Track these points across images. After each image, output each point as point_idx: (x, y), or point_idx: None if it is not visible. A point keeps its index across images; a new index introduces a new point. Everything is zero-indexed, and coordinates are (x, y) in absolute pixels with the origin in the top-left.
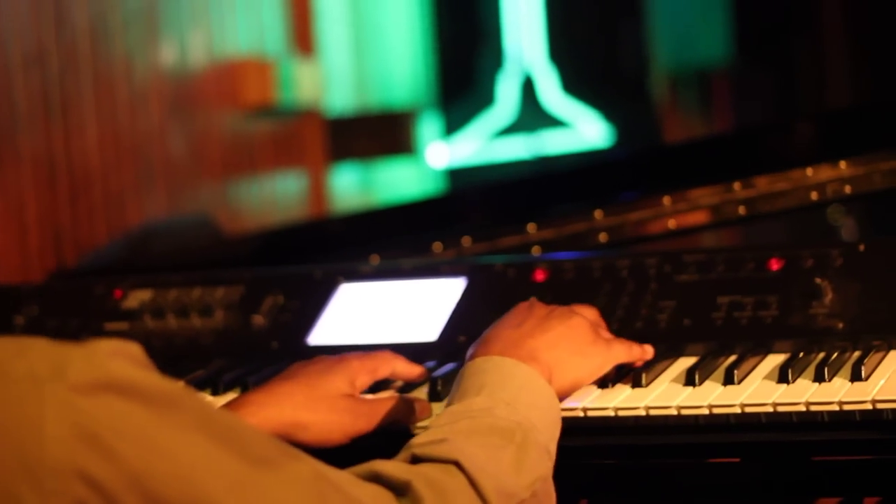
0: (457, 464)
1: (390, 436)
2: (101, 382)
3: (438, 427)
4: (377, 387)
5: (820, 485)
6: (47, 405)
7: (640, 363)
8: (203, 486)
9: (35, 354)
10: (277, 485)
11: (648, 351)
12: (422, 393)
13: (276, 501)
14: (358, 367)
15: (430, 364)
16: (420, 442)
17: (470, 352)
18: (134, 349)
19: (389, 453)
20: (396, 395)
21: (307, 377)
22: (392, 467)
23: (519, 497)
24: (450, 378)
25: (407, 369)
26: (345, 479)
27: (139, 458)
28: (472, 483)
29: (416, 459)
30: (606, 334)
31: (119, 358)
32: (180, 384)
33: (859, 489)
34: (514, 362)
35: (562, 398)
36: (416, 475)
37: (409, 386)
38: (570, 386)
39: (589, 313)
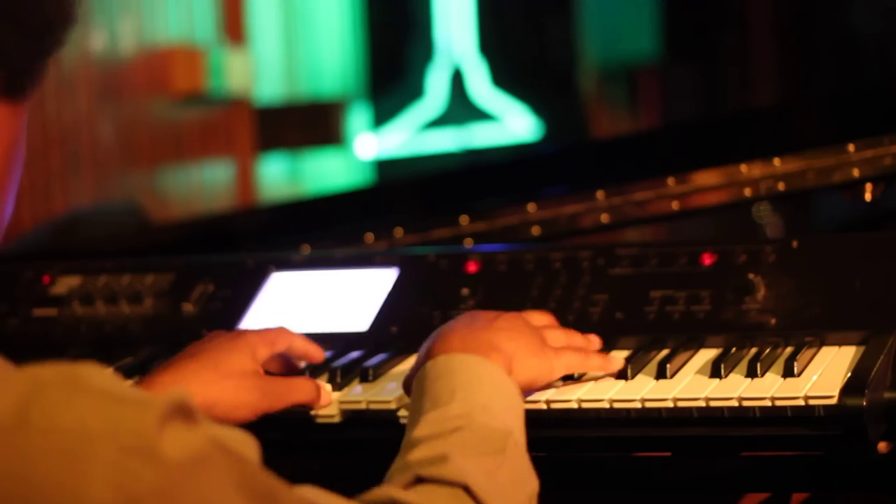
0: (465, 487)
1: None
2: (153, 446)
3: (428, 441)
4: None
5: (749, 480)
6: (95, 465)
7: (605, 371)
8: None
9: (87, 406)
10: None
11: (616, 363)
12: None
13: None
14: (256, 341)
15: (360, 353)
16: (420, 460)
17: (425, 348)
18: (183, 396)
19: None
20: (302, 376)
21: (211, 355)
22: (408, 496)
23: None
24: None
25: (304, 345)
26: None
27: None
28: None
29: (420, 480)
30: (556, 342)
31: (171, 418)
32: (222, 434)
33: (788, 485)
34: (478, 359)
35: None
36: (438, 501)
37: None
38: (528, 383)
39: (538, 319)
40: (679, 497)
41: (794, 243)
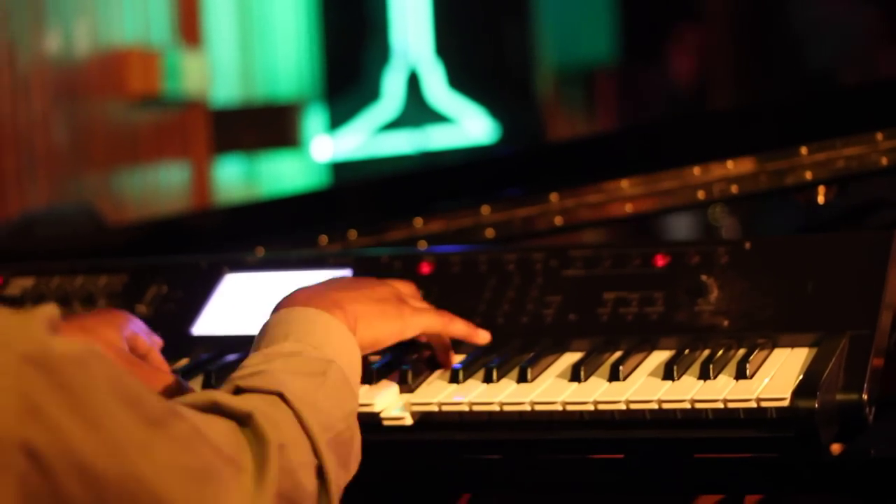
0: (280, 395)
1: None
2: (44, 354)
3: (252, 364)
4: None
5: (702, 482)
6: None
7: (469, 340)
8: (124, 457)
9: None
10: (168, 445)
11: (483, 336)
12: (196, 382)
13: (167, 460)
14: (123, 319)
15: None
16: (240, 375)
17: (275, 306)
18: (53, 312)
19: None
20: (170, 371)
21: (81, 324)
22: (231, 399)
23: (336, 429)
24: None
25: (158, 359)
26: (200, 419)
27: (75, 430)
28: (296, 415)
29: (238, 391)
30: (417, 303)
31: (53, 328)
32: (89, 344)
33: (741, 487)
34: (317, 311)
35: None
36: (255, 407)
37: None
38: (371, 342)
39: (405, 287)
40: (631, 499)
41: (747, 245)
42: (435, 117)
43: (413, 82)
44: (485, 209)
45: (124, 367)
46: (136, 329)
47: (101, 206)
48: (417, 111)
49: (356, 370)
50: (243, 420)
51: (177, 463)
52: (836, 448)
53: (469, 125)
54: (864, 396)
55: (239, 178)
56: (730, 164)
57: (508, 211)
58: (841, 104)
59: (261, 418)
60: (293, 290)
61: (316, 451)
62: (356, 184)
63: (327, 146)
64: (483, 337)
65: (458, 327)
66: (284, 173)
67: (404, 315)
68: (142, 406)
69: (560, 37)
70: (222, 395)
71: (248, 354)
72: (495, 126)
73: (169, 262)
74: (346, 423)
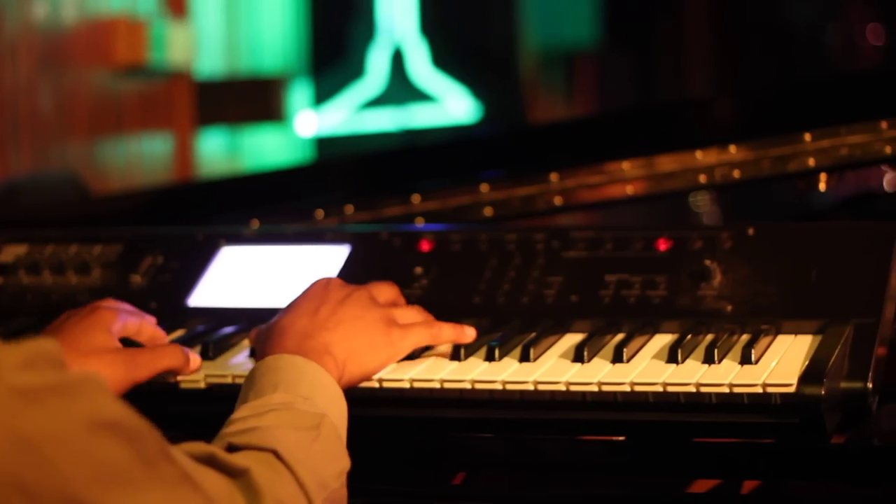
0: (275, 452)
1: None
2: (38, 386)
3: (243, 418)
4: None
5: (701, 466)
6: None
7: (458, 342)
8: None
9: None
10: (159, 488)
11: (469, 334)
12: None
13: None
14: (110, 317)
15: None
16: (232, 431)
17: (261, 343)
18: (53, 348)
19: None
20: (169, 343)
21: (68, 336)
22: (228, 455)
23: (331, 487)
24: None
25: (151, 331)
26: (194, 468)
27: (68, 465)
28: (293, 473)
29: (232, 448)
30: (404, 318)
31: (47, 359)
32: (83, 372)
33: (739, 472)
34: (305, 361)
35: (348, 388)
36: (250, 465)
37: None
38: (359, 378)
39: (386, 293)
40: (628, 481)
41: (750, 230)
42: (418, 95)
43: (397, 60)
44: (483, 187)
45: (123, 362)
46: (124, 318)
47: (83, 174)
48: (401, 89)
49: (343, 423)
50: (239, 474)
51: None
52: (837, 436)
53: (451, 104)
54: (869, 385)
55: (221, 150)
56: (732, 148)
57: (507, 190)
58: (846, 91)
59: (257, 474)
60: (282, 318)
61: None
62: (346, 159)
63: (311, 121)
64: (469, 335)
65: (447, 334)
66: (267, 147)
67: (394, 340)
68: (135, 440)
69: (543, 19)
70: (220, 450)
71: (244, 328)
72: (477, 106)
73: (165, 233)
74: (339, 481)
